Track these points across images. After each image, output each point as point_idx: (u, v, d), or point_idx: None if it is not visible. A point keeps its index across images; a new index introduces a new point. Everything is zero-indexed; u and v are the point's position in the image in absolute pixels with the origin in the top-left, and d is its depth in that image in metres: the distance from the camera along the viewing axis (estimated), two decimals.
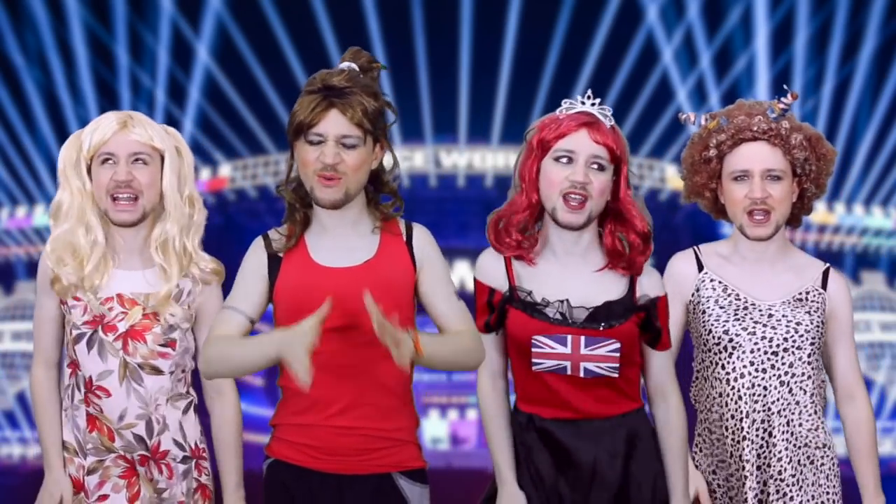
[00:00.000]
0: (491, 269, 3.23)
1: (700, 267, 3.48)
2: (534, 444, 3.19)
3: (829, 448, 3.45)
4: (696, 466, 3.48)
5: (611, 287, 3.16)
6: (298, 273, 3.06)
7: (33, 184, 16.72)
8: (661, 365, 3.24)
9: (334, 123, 3.01)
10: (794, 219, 3.52)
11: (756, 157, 3.41)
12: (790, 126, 3.43)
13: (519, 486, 3.21)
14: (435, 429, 19.72)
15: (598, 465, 3.16)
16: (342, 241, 3.08)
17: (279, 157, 16.84)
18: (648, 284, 3.21)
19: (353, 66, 3.10)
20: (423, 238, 3.14)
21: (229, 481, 3.49)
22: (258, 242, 3.11)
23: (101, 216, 3.45)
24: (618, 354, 3.12)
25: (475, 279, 3.28)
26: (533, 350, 3.12)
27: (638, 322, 3.17)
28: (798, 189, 3.46)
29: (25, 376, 17.66)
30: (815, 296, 3.45)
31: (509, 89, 16.08)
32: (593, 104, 3.23)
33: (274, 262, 3.08)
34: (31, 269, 18.46)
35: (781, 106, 3.45)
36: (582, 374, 3.13)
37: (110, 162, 3.39)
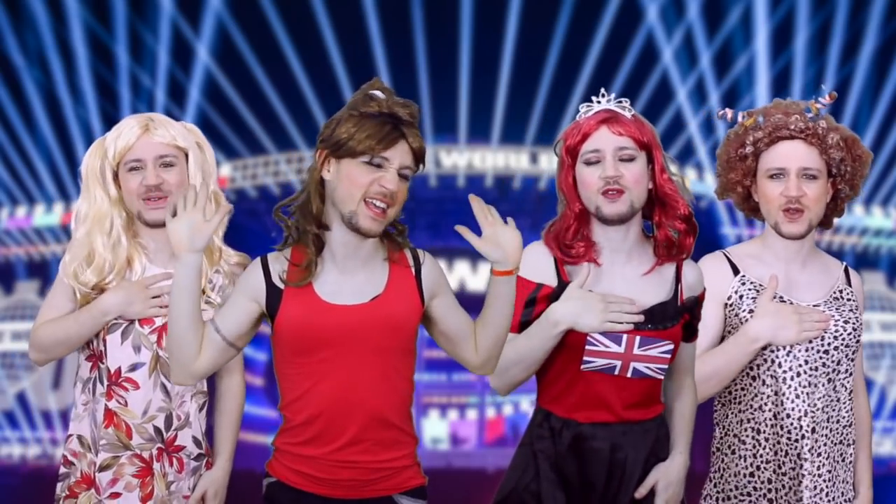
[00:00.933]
0: (539, 263, 3.22)
1: (735, 270, 3.48)
2: (564, 451, 3.18)
3: (853, 446, 3.48)
4: (725, 469, 3.47)
5: (658, 289, 3.18)
6: (302, 309, 3.02)
7: (33, 184, 16.70)
8: (690, 353, 3.29)
9: (401, 153, 3.02)
10: (827, 220, 3.54)
11: (792, 155, 3.43)
12: (827, 126, 3.45)
13: (539, 490, 3.20)
14: (435, 429, 19.70)
15: (630, 467, 3.16)
16: (349, 276, 3.05)
17: (279, 157, 16.82)
18: (693, 280, 3.23)
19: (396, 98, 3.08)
20: (432, 269, 3.13)
21: (224, 450, 3.50)
22: (256, 266, 3.06)
23: (129, 220, 3.46)
24: (669, 356, 3.15)
25: (518, 276, 3.24)
26: (587, 348, 3.13)
27: (683, 324, 3.19)
28: (832, 190, 3.47)
29: (26, 376, 17.65)
30: (847, 294, 3.48)
31: (509, 89, 16.07)
32: (609, 100, 3.24)
33: (274, 293, 3.04)
34: (31, 269, 18.46)
35: (819, 106, 3.47)
36: (629, 375, 3.14)
37: (138, 168, 3.41)
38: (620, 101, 3.27)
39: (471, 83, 15.84)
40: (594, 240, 3.22)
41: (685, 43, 15.44)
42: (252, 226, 18.20)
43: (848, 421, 3.48)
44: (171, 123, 3.54)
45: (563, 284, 3.19)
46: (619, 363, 3.16)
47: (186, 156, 3.51)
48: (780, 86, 15.18)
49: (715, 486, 3.54)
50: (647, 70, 15.46)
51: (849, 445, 3.49)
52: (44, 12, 15.01)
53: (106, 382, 3.44)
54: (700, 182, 14.37)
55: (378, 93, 3.08)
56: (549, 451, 3.22)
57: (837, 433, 3.44)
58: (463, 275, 18.18)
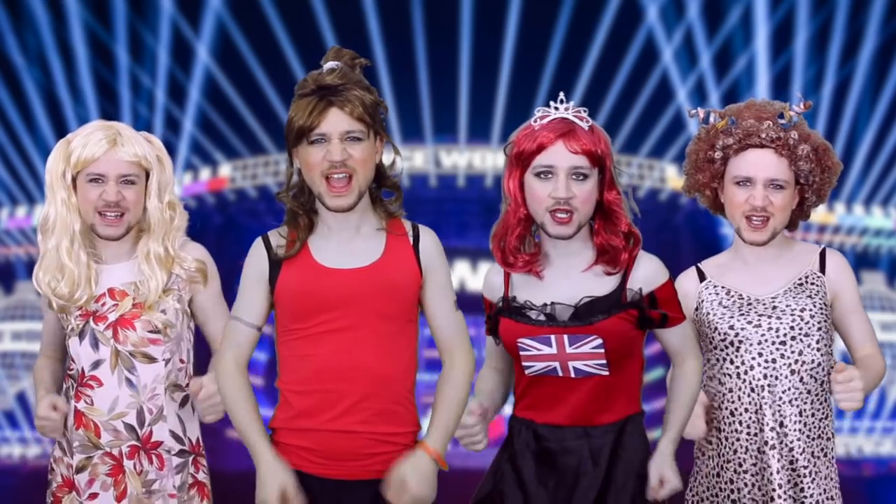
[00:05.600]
0: (493, 284, 3.25)
1: (702, 278, 3.49)
2: (521, 449, 3.19)
3: (833, 440, 3.47)
4: (698, 472, 3.47)
5: (599, 284, 3.16)
6: (300, 275, 3.05)
7: (33, 184, 16.70)
8: (675, 338, 3.26)
9: (336, 121, 3.01)
10: (792, 224, 3.53)
11: (760, 164, 3.42)
12: (799, 136, 3.43)
13: (500, 487, 3.21)
14: None
15: (582, 469, 3.15)
16: (346, 244, 3.08)
17: (279, 157, 16.83)
18: (643, 275, 3.20)
19: (340, 64, 3.08)
20: (430, 243, 3.13)
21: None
22: (258, 245, 3.11)
23: (85, 228, 3.46)
24: (602, 350, 3.12)
25: (482, 295, 3.29)
26: (521, 353, 3.14)
27: (631, 319, 3.17)
28: (799, 197, 3.46)
29: (26, 376, 17.66)
30: (814, 279, 3.46)
31: (509, 89, 16.07)
32: (567, 108, 3.19)
33: (275, 266, 3.07)
34: (31, 269, 18.45)
35: (792, 113, 3.45)
36: (573, 375, 3.13)
37: (99, 181, 3.40)
38: (578, 112, 3.21)
39: (471, 83, 15.83)
40: (545, 249, 3.21)
41: (685, 43, 15.43)
42: (252, 226, 18.17)
43: (824, 414, 3.47)
44: (137, 140, 3.52)
45: (502, 298, 3.22)
46: (556, 364, 3.16)
47: (147, 174, 3.51)
48: (780, 86, 15.18)
49: (690, 489, 3.56)
50: (647, 70, 15.45)
51: (828, 439, 3.48)
52: (44, 12, 15.01)
53: (75, 385, 3.45)
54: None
55: (333, 63, 3.10)
56: (513, 453, 3.24)
57: (814, 427, 3.43)
58: (463, 275, 18.16)
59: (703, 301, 3.47)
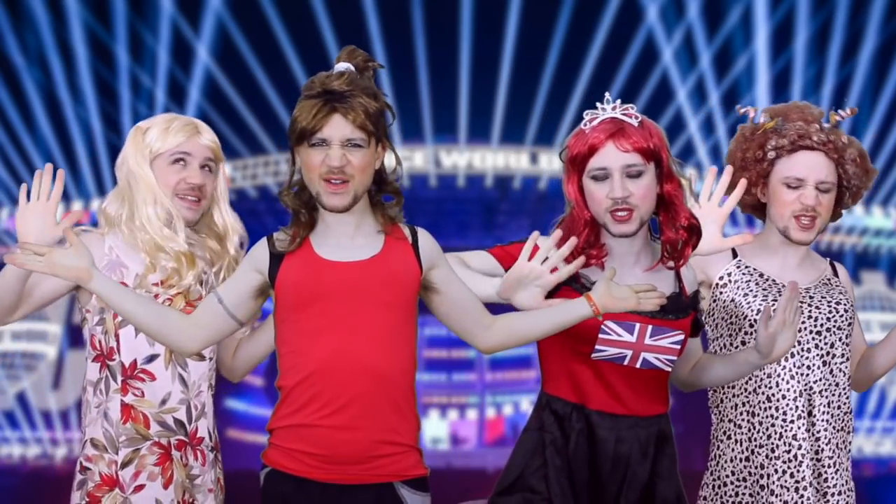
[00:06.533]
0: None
1: (734, 254, 3.51)
2: (574, 437, 3.18)
3: (852, 435, 3.51)
4: (721, 455, 3.48)
5: (665, 284, 3.18)
6: (301, 267, 3.08)
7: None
8: (697, 346, 3.31)
9: (338, 127, 3.03)
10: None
11: (812, 166, 3.46)
12: (846, 140, 3.47)
13: (546, 475, 3.19)
14: (435, 429, 19.72)
15: (632, 462, 3.16)
16: (347, 241, 3.10)
17: (279, 157, 16.85)
18: (690, 276, 3.26)
19: (351, 67, 3.10)
20: (428, 241, 3.16)
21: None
22: (262, 241, 3.15)
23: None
24: (679, 347, 3.15)
25: (520, 242, 3.23)
26: (600, 336, 3.13)
27: (690, 319, 3.21)
28: (836, 199, 3.50)
29: (26, 376, 17.67)
30: (835, 282, 3.51)
31: (509, 89, 16.07)
32: (614, 108, 3.21)
33: (275, 260, 3.09)
34: None
35: (837, 118, 3.48)
36: (639, 365, 3.15)
37: (182, 163, 3.44)
38: (626, 109, 3.23)
39: (471, 83, 15.82)
40: (603, 241, 3.24)
41: (685, 43, 15.42)
42: (252, 226, 18.12)
43: (848, 408, 3.51)
44: (212, 132, 3.61)
45: (574, 275, 3.20)
46: (629, 353, 3.16)
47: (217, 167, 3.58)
48: (780, 86, 15.18)
49: (711, 473, 3.55)
50: (647, 70, 15.44)
51: (849, 433, 3.51)
52: (44, 12, 15.00)
53: (120, 378, 3.45)
54: (700, 181, 14.23)
55: (344, 65, 3.12)
56: (556, 437, 3.21)
57: (838, 419, 3.46)
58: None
59: (731, 278, 3.49)
